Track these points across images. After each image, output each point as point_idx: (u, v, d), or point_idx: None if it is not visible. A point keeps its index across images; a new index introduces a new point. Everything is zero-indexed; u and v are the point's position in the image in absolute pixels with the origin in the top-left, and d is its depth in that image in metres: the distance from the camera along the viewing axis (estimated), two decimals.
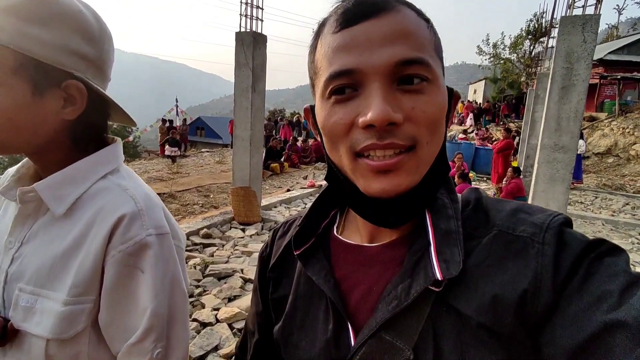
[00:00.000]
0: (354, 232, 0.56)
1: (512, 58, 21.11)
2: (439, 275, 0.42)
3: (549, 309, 0.38)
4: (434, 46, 0.45)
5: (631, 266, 0.39)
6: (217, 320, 3.07)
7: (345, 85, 0.43)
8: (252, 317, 0.68)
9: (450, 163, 0.53)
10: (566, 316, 0.37)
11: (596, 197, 9.80)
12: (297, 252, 0.55)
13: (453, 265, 0.42)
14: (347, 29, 0.42)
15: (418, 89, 0.42)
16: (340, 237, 0.56)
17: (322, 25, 0.48)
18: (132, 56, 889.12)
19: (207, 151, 17.48)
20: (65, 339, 0.61)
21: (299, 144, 13.50)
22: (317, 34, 0.48)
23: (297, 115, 25.45)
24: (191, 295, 3.43)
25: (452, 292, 0.43)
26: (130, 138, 26.30)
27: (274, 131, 15.98)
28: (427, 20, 0.46)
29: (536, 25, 18.52)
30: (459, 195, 0.52)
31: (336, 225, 0.59)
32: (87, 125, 0.69)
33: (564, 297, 0.38)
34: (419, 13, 0.45)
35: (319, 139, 0.52)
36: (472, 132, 17.63)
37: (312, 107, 0.52)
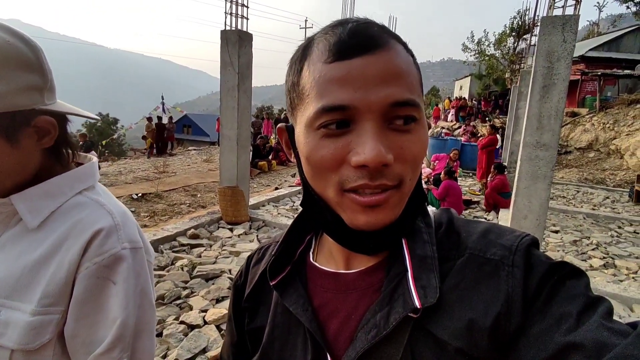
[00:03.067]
0: (329, 258, 0.54)
1: (497, 54, 21.37)
2: (417, 303, 0.42)
3: (518, 330, 0.40)
4: (419, 83, 0.46)
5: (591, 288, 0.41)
6: (205, 322, 3.06)
7: (337, 120, 0.41)
8: (227, 347, 0.66)
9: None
10: (530, 336, 0.39)
11: (578, 192, 10.04)
12: (273, 283, 0.54)
13: (430, 292, 0.43)
14: (342, 62, 0.41)
15: (407, 129, 0.43)
16: (316, 263, 0.55)
17: (308, 47, 0.45)
18: (115, 52, 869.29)
19: (195, 149, 17.31)
20: (31, 350, 0.61)
21: None
22: (303, 56, 0.45)
23: (284, 112, 25.32)
24: (178, 298, 3.41)
25: (428, 317, 0.43)
26: (115, 136, 25.79)
27: (261, 129, 15.85)
28: (412, 55, 0.46)
29: (519, 23, 18.78)
30: (432, 217, 0.53)
31: (312, 251, 0.58)
32: (64, 142, 0.73)
33: (528, 317, 0.40)
34: (406, 46, 0.45)
35: (292, 159, 0.52)
36: (458, 128, 17.81)
37: (288, 127, 0.51)
